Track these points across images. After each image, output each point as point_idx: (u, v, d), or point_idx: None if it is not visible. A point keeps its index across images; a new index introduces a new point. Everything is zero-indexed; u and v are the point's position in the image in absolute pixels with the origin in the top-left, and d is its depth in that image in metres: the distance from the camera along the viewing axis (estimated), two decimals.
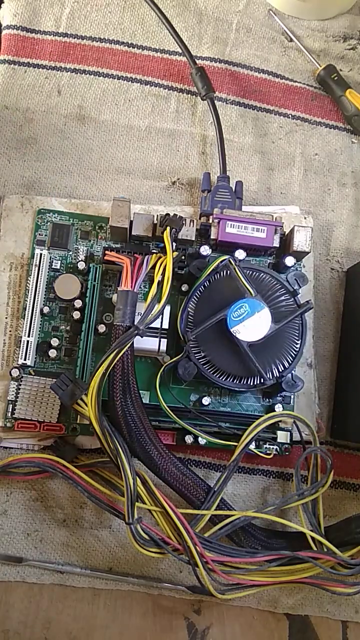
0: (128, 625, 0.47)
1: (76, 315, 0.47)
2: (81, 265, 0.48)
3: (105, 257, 0.45)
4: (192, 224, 0.48)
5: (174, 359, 0.45)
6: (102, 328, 0.47)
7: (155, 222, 0.48)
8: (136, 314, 0.43)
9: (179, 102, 0.57)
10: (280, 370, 0.45)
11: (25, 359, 0.46)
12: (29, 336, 0.46)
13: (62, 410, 0.47)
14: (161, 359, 0.47)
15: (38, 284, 0.47)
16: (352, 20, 0.61)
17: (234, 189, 0.51)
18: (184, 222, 0.46)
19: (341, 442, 0.52)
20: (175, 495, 0.44)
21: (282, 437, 0.47)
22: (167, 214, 0.46)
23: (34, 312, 0.47)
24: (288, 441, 0.48)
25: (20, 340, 0.46)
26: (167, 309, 0.46)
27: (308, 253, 0.48)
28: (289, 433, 0.48)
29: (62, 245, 0.49)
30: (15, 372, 0.47)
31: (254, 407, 0.48)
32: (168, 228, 0.45)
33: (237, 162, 0.56)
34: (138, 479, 0.43)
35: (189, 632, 0.47)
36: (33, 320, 0.46)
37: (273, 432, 0.48)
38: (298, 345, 0.46)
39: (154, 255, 0.45)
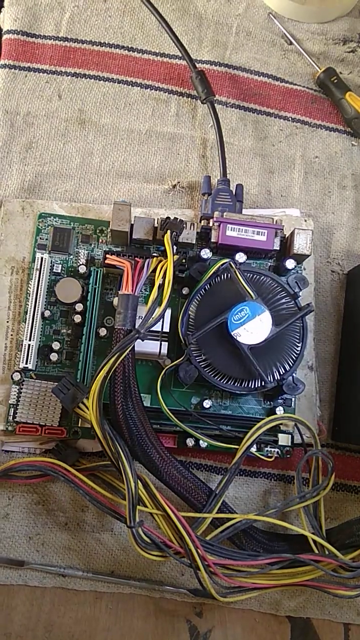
0: (130, 628, 0.47)
1: (77, 318, 0.47)
2: (82, 269, 0.48)
3: (106, 261, 0.45)
4: (192, 227, 0.48)
5: (175, 362, 0.45)
6: (103, 331, 0.47)
7: (156, 225, 0.48)
8: (137, 317, 0.43)
9: (179, 105, 0.58)
10: (281, 373, 0.46)
11: (26, 363, 0.46)
12: (30, 340, 0.46)
13: (64, 413, 0.47)
14: (162, 362, 0.47)
15: (39, 287, 0.47)
16: (352, 23, 0.62)
17: (234, 192, 0.51)
18: (184, 225, 0.46)
19: (342, 444, 0.52)
20: (176, 499, 0.44)
21: (283, 439, 0.47)
22: (168, 218, 0.46)
23: (35, 316, 0.47)
24: (289, 444, 0.48)
25: (22, 344, 0.46)
26: (168, 312, 0.46)
27: (308, 256, 0.48)
28: (290, 436, 0.48)
29: (63, 249, 0.49)
30: (16, 376, 0.47)
31: (255, 409, 0.48)
32: (169, 231, 0.45)
33: (237, 165, 0.57)
34: (139, 482, 0.43)
35: (190, 635, 0.47)
36: (34, 324, 0.46)
37: (274, 435, 0.48)
38: (299, 348, 0.46)
39: (155, 258, 0.45)
